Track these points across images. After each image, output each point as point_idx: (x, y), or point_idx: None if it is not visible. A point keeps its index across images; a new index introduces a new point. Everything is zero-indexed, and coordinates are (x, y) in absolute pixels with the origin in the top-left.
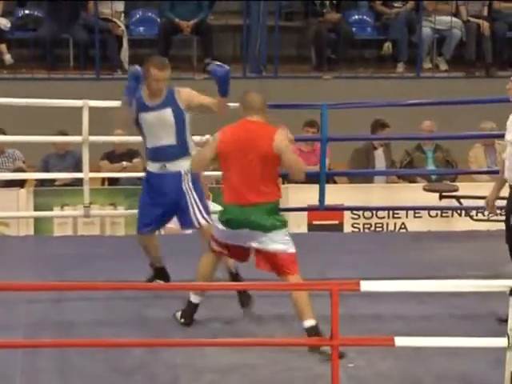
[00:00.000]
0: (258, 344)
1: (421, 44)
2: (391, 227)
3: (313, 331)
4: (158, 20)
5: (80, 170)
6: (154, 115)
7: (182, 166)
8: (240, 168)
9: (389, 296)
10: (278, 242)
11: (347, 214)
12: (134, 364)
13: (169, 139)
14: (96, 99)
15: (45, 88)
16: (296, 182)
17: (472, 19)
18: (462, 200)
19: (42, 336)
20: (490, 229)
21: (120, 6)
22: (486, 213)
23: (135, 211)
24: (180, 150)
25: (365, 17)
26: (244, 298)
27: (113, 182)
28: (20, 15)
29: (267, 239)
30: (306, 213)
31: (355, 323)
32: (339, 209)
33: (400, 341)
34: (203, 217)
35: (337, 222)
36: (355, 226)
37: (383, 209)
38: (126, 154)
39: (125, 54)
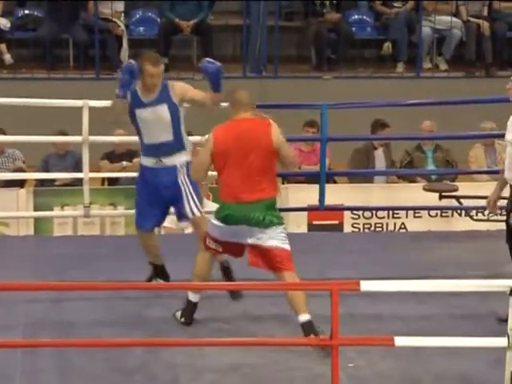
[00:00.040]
0: (258, 344)
1: (421, 44)
2: (391, 227)
3: (309, 325)
4: (158, 20)
5: (80, 170)
6: (149, 111)
7: (178, 160)
8: (239, 166)
9: (389, 296)
10: (275, 239)
11: (347, 213)
12: (134, 364)
13: (165, 135)
14: (96, 99)
15: (45, 88)
16: (296, 182)
17: (472, 19)
18: (461, 200)
19: (41, 336)
20: (490, 229)
21: (120, 6)
22: (486, 213)
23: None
24: (176, 144)
25: (365, 17)
26: (234, 294)
27: (113, 181)
28: (20, 15)
29: (264, 235)
30: (305, 213)
31: (355, 323)
32: (339, 209)
33: (400, 341)
34: (197, 208)
35: (337, 221)
36: (355, 226)
37: (383, 209)
38: (126, 154)
39: (125, 53)
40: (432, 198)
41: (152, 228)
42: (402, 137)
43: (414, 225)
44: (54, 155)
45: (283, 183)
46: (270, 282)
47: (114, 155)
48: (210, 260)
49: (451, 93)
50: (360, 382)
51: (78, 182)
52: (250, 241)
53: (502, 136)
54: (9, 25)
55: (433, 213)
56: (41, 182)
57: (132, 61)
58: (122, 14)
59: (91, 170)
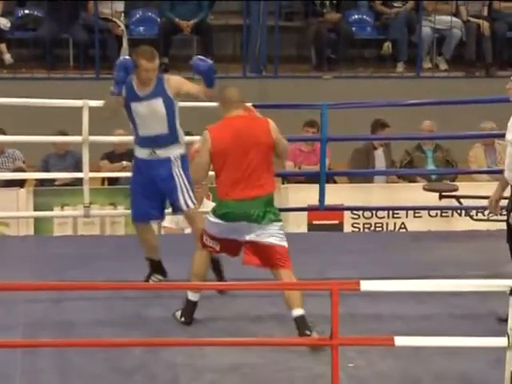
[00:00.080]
0: (258, 344)
1: (421, 44)
2: (391, 227)
3: (301, 320)
4: (158, 20)
5: (80, 170)
6: (145, 105)
7: (172, 152)
8: (239, 163)
9: (389, 296)
10: (274, 236)
11: (347, 213)
12: (134, 364)
13: (160, 128)
14: (96, 99)
15: (45, 88)
16: (296, 182)
17: (472, 19)
18: (461, 200)
19: (41, 336)
20: (490, 229)
21: (120, 6)
22: (486, 212)
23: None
24: (170, 137)
25: (365, 16)
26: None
27: (113, 181)
28: (20, 15)
29: (263, 232)
30: (305, 213)
31: (355, 323)
32: (339, 209)
33: (400, 340)
34: (192, 201)
35: (337, 221)
36: (355, 225)
37: (383, 209)
38: (126, 154)
39: (125, 53)
40: (432, 198)
41: (147, 220)
42: (402, 137)
43: (414, 225)
44: (54, 155)
45: (283, 183)
46: (270, 282)
47: (114, 155)
48: (207, 258)
49: (451, 93)
50: (360, 382)
51: (78, 182)
52: (248, 237)
53: (502, 136)
54: (9, 24)
55: (433, 213)
56: (41, 182)
57: (127, 57)
58: (122, 14)
59: (91, 170)
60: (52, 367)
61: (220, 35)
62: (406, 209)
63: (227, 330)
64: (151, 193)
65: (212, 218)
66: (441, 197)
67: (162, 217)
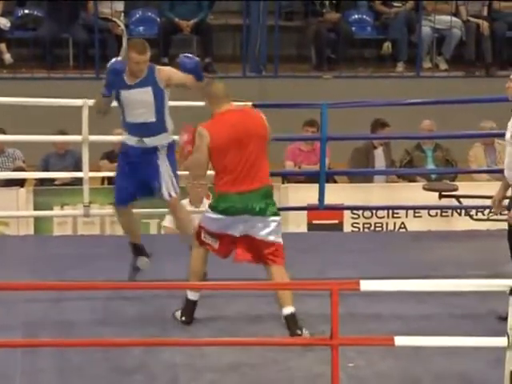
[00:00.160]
0: (258, 344)
1: (420, 43)
2: (391, 227)
3: (291, 318)
4: (158, 20)
5: (80, 170)
6: (133, 93)
7: (160, 140)
8: (240, 157)
9: (388, 295)
10: (272, 231)
11: (347, 213)
12: (133, 364)
13: (148, 116)
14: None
15: (44, 87)
16: (296, 182)
17: (472, 19)
18: (461, 199)
19: (41, 335)
20: (490, 228)
21: (120, 6)
22: (486, 212)
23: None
24: (158, 126)
25: (364, 16)
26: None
27: (112, 181)
28: (20, 15)
29: (263, 226)
30: (305, 212)
31: (355, 323)
32: (339, 208)
33: (400, 340)
34: (175, 190)
35: (336, 221)
36: (355, 225)
37: (383, 208)
38: None
39: (125, 53)
40: (432, 198)
41: (127, 204)
42: (402, 136)
43: (413, 224)
44: (53, 155)
45: (283, 183)
46: (269, 282)
47: (114, 155)
48: (204, 256)
49: (451, 92)
50: (360, 382)
51: (78, 182)
52: (245, 232)
53: (502, 135)
54: (9, 24)
55: (433, 212)
56: (41, 182)
57: (119, 58)
58: (122, 14)
59: (91, 170)
60: (52, 367)
61: (220, 35)
62: (406, 208)
63: (227, 329)
64: (135, 179)
65: (211, 214)
66: (440, 196)
67: (140, 198)
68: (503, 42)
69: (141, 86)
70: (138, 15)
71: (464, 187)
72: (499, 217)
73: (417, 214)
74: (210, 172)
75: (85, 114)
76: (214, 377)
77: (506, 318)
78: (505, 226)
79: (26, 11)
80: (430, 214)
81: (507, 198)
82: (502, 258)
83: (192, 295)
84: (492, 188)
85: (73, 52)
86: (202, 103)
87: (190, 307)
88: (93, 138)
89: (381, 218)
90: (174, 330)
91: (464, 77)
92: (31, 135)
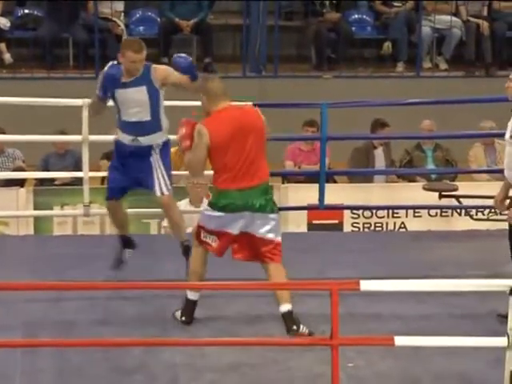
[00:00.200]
0: (258, 344)
1: (420, 43)
2: (391, 226)
3: (289, 315)
4: (158, 19)
5: (80, 170)
6: (128, 92)
7: (155, 139)
8: (240, 153)
9: (388, 295)
10: (271, 229)
11: (347, 213)
12: (133, 364)
13: (143, 115)
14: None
15: (44, 87)
16: (296, 182)
17: (472, 19)
18: (461, 199)
19: (41, 335)
20: (490, 228)
21: (120, 6)
22: (486, 212)
23: (135, 210)
24: (153, 125)
25: (364, 16)
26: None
27: None
28: (20, 14)
29: (262, 223)
30: (305, 212)
31: (355, 323)
32: (339, 208)
33: (400, 340)
34: (167, 188)
35: (336, 221)
36: (355, 225)
37: (383, 208)
38: None
39: None
40: (432, 198)
41: (119, 197)
42: (402, 136)
43: (413, 224)
44: (53, 154)
45: (283, 183)
46: (269, 282)
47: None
48: (203, 255)
49: (451, 92)
50: (360, 382)
51: (78, 182)
52: (244, 229)
53: (502, 135)
54: (9, 24)
55: (432, 212)
56: (41, 182)
57: (114, 62)
58: (122, 14)
59: (91, 170)
60: (52, 367)
61: (220, 35)
62: (406, 208)
63: (227, 329)
64: (128, 176)
65: (211, 212)
66: (440, 196)
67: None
68: (503, 41)
69: (136, 85)
70: (138, 15)
71: (464, 187)
72: (499, 217)
73: (417, 214)
74: (211, 172)
75: (85, 114)
76: (214, 377)
77: (505, 316)
78: (505, 225)
79: (26, 11)
80: (429, 214)
81: (509, 198)
82: (502, 258)
83: (192, 295)
84: (492, 188)
85: (73, 52)
86: (197, 103)
87: (190, 307)
88: (93, 137)
89: (381, 217)
90: (174, 330)
91: (464, 77)
92: (31, 135)
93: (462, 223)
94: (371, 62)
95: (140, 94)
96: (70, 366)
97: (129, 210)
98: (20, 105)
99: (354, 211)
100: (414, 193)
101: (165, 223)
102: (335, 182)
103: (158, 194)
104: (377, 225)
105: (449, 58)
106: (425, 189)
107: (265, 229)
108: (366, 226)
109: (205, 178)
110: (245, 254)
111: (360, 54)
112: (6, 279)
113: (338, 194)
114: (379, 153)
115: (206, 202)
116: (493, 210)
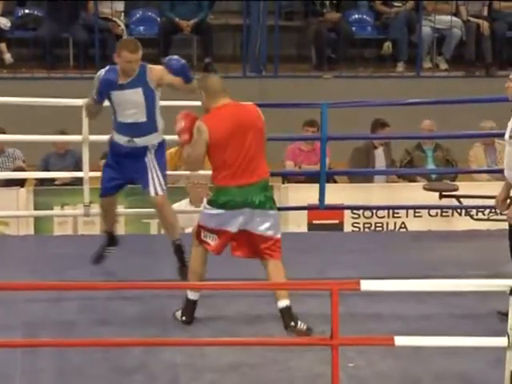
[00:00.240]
0: (258, 344)
1: (421, 43)
2: (391, 226)
3: (286, 311)
4: (158, 19)
5: (80, 170)
6: (124, 93)
7: (150, 140)
8: (240, 149)
9: (389, 295)
10: (271, 226)
11: (347, 213)
12: (133, 364)
13: (139, 116)
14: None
15: (45, 87)
16: (296, 182)
17: (472, 19)
18: (462, 199)
19: (41, 335)
20: (490, 228)
21: (120, 6)
22: (486, 212)
23: (135, 210)
24: (149, 126)
25: (365, 16)
26: (183, 272)
27: None
28: (20, 14)
29: (261, 220)
30: (305, 212)
31: (355, 323)
32: (339, 208)
33: (400, 340)
34: (162, 188)
35: (337, 221)
36: (355, 225)
37: (383, 208)
38: None
39: None
40: (432, 198)
41: (113, 194)
42: (402, 136)
43: (414, 224)
44: (54, 154)
45: (283, 183)
46: (269, 282)
47: None
48: (203, 254)
49: (451, 92)
50: (360, 382)
51: (78, 182)
52: (244, 226)
53: (502, 135)
54: (9, 24)
55: (433, 212)
56: (41, 182)
57: (109, 67)
58: (122, 14)
59: (91, 170)
60: (52, 367)
61: (220, 35)
62: (406, 208)
63: (227, 329)
64: (123, 176)
65: (211, 211)
66: (441, 196)
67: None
68: (503, 41)
69: (131, 87)
70: (138, 15)
71: (464, 187)
72: (499, 217)
73: (417, 214)
74: (210, 172)
75: (85, 113)
76: (214, 377)
77: (506, 314)
78: (505, 225)
79: (26, 11)
80: (430, 214)
81: (510, 198)
82: (502, 258)
83: (192, 295)
84: (492, 188)
85: (73, 52)
86: (194, 103)
87: (190, 307)
88: (93, 137)
89: (381, 217)
90: (174, 330)
91: (464, 77)
92: (31, 135)
93: (462, 223)
94: (371, 61)
95: (136, 95)
96: (70, 365)
97: (129, 210)
98: (20, 105)
99: (355, 211)
100: (415, 193)
101: None
102: (335, 181)
103: (153, 194)
104: (377, 225)
105: (449, 58)
106: (425, 189)
107: (264, 226)
108: (366, 226)
109: (205, 178)
110: (244, 251)
111: (360, 53)
112: (6, 279)
113: (338, 193)
114: (379, 153)
115: (206, 201)
116: (493, 210)
